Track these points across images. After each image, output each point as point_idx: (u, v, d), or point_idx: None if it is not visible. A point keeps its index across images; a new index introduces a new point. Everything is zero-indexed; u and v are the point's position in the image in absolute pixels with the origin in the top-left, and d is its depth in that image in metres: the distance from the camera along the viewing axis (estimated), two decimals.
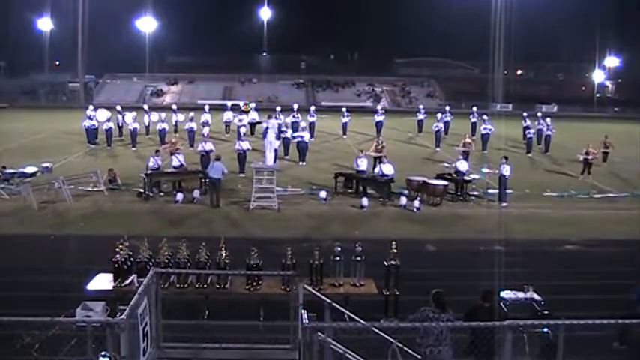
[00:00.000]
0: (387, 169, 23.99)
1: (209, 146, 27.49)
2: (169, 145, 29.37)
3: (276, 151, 25.74)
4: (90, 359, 8.52)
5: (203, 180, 23.79)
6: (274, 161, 23.35)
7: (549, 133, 36.93)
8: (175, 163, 24.63)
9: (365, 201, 22.68)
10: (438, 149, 36.82)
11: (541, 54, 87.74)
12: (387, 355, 8.44)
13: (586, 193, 25.95)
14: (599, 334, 9.22)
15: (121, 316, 7.71)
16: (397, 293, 12.53)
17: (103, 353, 4.67)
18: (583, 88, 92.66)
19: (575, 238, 19.35)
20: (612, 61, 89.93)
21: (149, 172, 23.67)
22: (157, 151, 25.14)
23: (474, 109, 42.69)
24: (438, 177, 24.63)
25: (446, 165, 29.37)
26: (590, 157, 28.88)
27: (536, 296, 12.38)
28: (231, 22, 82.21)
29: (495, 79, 78.41)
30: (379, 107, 48.39)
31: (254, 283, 12.32)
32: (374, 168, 25.86)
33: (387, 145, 29.31)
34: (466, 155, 28.70)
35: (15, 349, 10.06)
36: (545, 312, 11.57)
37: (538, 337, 9.63)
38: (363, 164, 24.75)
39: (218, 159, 22.82)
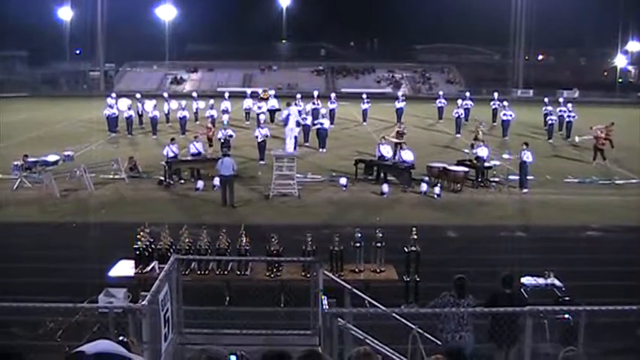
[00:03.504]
0: (407, 155, 23.94)
1: (229, 132, 27.64)
2: (207, 130, 29.72)
3: (296, 138, 25.75)
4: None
5: None
6: (294, 148, 23.36)
7: (571, 119, 36.51)
8: (194, 150, 24.70)
9: (385, 187, 22.62)
10: (458, 135, 36.59)
11: (562, 39, 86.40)
12: (408, 341, 8.45)
13: (608, 179, 25.72)
14: (620, 321, 9.18)
15: (143, 303, 7.77)
16: (417, 279, 12.53)
17: (120, 338, 4.71)
18: (605, 73, 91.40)
19: (597, 225, 19.20)
20: (635, 46, 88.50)
21: (169, 159, 23.76)
22: (173, 139, 25.16)
23: (495, 95, 42.34)
24: (459, 163, 24.53)
25: (466, 151, 29.19)
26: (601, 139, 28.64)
27: (557, 282, 12.35)
28: (250, 9, 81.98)
29: (516, 64, 77.99)
30: (400, 94, 48.07)
31: (274, 270, 12.38)
32: (394, 155, 25.80)
33: (407, 132, 29.21)
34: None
35: (39, 334, 10.20)
36: (566, 298, 11.51)
37: (559, 323, 9.59)
38: (385, 151, 24.61)
39: (227, 155, 22.33)
